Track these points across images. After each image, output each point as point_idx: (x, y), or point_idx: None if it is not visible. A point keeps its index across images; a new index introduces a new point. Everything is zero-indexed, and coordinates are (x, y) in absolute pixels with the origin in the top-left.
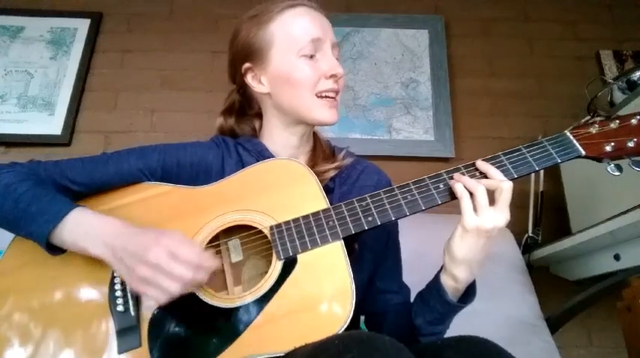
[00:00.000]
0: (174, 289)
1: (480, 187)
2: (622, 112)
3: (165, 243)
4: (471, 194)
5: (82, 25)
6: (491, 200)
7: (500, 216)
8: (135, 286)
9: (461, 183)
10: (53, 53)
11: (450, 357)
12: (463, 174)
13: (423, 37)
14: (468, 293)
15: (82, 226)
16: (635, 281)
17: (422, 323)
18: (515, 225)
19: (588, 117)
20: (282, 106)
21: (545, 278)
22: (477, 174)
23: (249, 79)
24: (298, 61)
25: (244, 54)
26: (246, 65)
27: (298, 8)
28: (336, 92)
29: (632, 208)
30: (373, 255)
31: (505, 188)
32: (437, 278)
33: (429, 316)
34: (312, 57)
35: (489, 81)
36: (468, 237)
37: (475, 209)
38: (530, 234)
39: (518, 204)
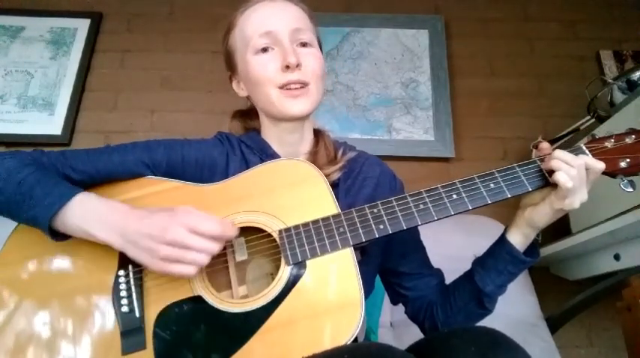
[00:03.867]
0: (202, 261)
1: (579, 173)
2: (622, 113)
3: (182, 220)
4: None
5: (82, 25)
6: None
7: (585, 195)
8: (159, 267)
9: (564, 172)
10: (53, 53)
11: (457, 346)
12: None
13: (423, 37)
14: (531, 249)
15: (88, 210)
16: (635, 281)
17: (493, 289)
18: None
19: (588, 117)
20: (259, 106)
21: (545, 278)
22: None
23: (234, 85)
24: (252, 58)
25: (225, 63)
26: (229, 73)
27: (254, 6)
28: (301, 82)
29: (631, 208)
30: (380, 248)
31: (600, 168)
32: (504, 243)
33: (499, 280)
34: (266, 50)
35: (489, 81)
36: (555, 214)
37: (573, 194)
38: None
39: (517, 205)
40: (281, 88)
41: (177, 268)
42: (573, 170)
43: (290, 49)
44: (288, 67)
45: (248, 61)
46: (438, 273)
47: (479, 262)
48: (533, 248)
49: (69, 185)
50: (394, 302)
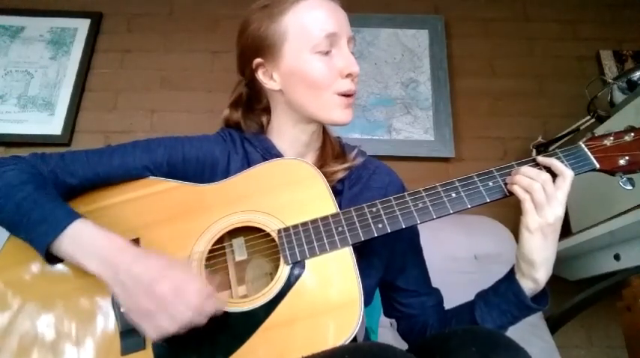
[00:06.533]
0: (170, 329)
1: (536, 185)
2: (622, 113)
3: (173, 277)
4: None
5: (82, 25)
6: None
7: (558, 206)
8: (134, 317)
9: (517, 185)
10: (53, 53)
11: (457, 346)
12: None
13: (423, 37)
14: (541, 295)
15: (83, 240)
16: (635, 281)
17: (493, 328)
18: (516, 225)
19: (588, 117)
20: (294, 104)
21: None
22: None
23: (260, 74)
24: (313, 57)
25: (255, 48)
26: (258, 60)
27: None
28: (353, 92)
29: (631, 208)
30: (382, 262)
31: (569, 175)
32: (512, 282)
33: (500, 321)
34: (327, 53)
35: (489, 81)
36: (536, 238)
37: (535, 208)
38: None
39: (517, 205)
40: (338, 94)
41: (147, 326)
42: (536, 184)
43: (353, 58)
44: (349, 75)
45: (307, 60)
46: (436, 294)
47: (482, 297)
48: (543, 295)
49: (67, 209)
50: (388, 315)
